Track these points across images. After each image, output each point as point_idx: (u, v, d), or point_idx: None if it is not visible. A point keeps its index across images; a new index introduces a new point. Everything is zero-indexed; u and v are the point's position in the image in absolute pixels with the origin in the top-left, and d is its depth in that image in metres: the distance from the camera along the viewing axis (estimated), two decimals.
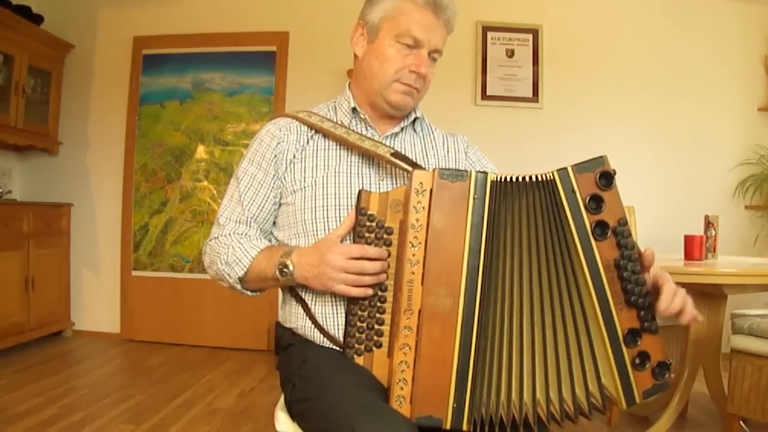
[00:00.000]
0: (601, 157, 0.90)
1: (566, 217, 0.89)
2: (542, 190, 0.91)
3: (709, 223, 2.32)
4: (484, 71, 3.62)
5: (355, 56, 1.16)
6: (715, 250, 2.30)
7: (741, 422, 2.08)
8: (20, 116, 3.33)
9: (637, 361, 0.89)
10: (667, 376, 0.90)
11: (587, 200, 0.89)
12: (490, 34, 3.64)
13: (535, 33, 3.63)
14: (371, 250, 0.95)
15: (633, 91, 3.61)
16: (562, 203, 0.89)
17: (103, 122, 3.75)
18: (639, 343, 0.89)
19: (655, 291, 0.92)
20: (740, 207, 3.60)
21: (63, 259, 3.64)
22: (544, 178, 0.90)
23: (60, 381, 2.73)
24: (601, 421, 2.37)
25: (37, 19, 3.46)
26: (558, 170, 0.90)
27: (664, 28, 3.63)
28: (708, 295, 2.16)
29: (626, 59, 3.61)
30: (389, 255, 0.96)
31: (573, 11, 3.65)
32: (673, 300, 0.90)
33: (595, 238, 0.88)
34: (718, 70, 3.61)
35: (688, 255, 2.18)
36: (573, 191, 0.89)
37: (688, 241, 2.19)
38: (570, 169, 0.89)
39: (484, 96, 3.62)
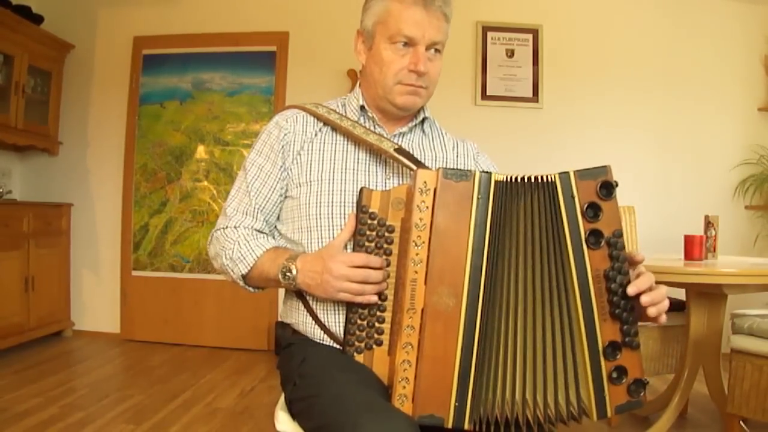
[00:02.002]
0: (605, 166, 0.90)
1: (562, 221, 0.89)
2: (542, 191, 0.90)
3: (709, 223, 2.32)
4: (484, 71, 3.62)
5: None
6: (715, 250, 2.30)
7: (741, 422, 2.07)
8: (20, 116, 3.33)
9: (614, 375, 0.88)
10: (642, 394, 0.89)
11: (585, 207, 0.88)
12: (490, 34, 3.64)
13: (535, 33, 3.63)
14: (374, 260, 0.94)
15: (633, 91, 3.61)
16: (559, 207, 0.89)
17: (103, 122, 3.75)
18: (618, 357, 0.89)
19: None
20: (740, 207, 3.60)
21: (63, 259, 3.64)
22: (546, 179, 0.90)
23: (60, 381, 2.73)
24: (601, 421, 2.37)
25: (37, 19, 3.46)
26: (560, 173, 0.89)
27: (664, 28, 3.63)
28: (708, 295, 2.16)
29: (626, 59, 3.61)
30: (390, 253, 0.96)
31: (573, 11, 3.65)
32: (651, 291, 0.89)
33: (588, 246, 0.88)
34: (718, 70, 3.61)
35: (688, 255, 2.18)
36: (572, 196, 0.89)
37: (688, 241, 2.19)
38: (572, 174, 0.89)
39: (484, 96, 3.62)
